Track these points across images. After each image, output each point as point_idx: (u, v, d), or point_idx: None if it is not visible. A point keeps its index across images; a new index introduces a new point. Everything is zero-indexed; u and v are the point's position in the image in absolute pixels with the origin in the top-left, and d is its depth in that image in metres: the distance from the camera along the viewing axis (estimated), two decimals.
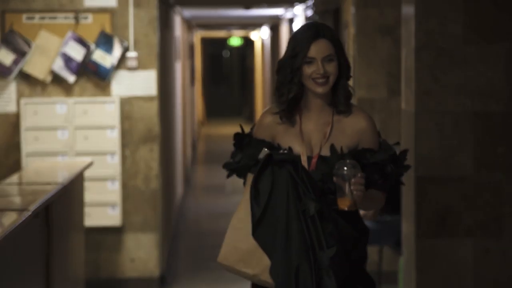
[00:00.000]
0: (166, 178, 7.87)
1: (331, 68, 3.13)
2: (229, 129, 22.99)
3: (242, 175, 3.21)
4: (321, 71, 3.11)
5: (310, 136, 3.17)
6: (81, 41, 6.76)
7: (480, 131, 4.72)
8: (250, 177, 3.12)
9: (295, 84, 3.15)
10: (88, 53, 6.76)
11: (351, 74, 3.22)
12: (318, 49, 3.12)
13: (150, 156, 6.86)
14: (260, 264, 3.05)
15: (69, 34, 6.75)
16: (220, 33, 21.99)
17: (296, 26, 11.40)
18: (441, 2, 4.69)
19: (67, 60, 6.74)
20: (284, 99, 3.17)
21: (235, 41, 25.47)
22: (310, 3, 9.48)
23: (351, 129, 3.16)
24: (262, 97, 20.20)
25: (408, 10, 4.88)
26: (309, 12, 9.87)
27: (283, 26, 14.15)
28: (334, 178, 3.04)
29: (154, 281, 6.90)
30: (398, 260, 5.91)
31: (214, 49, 27.53)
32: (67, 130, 6.75)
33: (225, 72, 28.85)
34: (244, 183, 3.18)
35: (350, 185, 3.00)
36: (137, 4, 6.77)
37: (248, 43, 25.12)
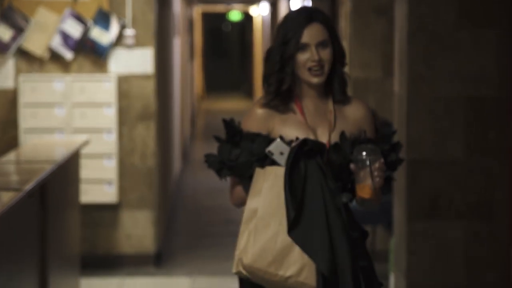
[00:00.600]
0: (163, 155, 7.92)
1: (326, 54, 2.93)
2: (228, 104, 23.02)
3: (241, 173, 2.95)
4: (316, 58, 2.91)
5: (315, 125, 2.97)
6: (79, 18, 6.79)
7: (471, 115, 4.77)
8: (260, 172, 2.89)
9: (287, 74, 2.94)
10: (86, 30, 6.79)
11: (346, 59, 3.03)
12: (311, 34, 2.92)
13: (147, 133, 6.91)
14: (296, 263, 2.81)
15: (67, 11, 6.78)
16: (220, 8, 21.95)
17: (294, 3, 11.41)
18: None
19: (65, 37, 6.77)
20: (272, 90, 2.95)
21: (235, 16, 25.43)
22: None
23: (353, 117, 3.00)
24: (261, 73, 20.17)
25: None
26: None
27: (282, 2, 14.14)
28: (352, 165, 2.85)
29: (150, 257, 6.97)
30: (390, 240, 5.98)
31: (214, 23, 27.47)
32: (64, 107, 6.79)
33: (225, 46, 28.81)
34: (241, 180, 2.96)
35: (371, 171, 2.81)
36: None
37: (248, 18, 25.07)
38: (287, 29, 2.94)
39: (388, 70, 6.84)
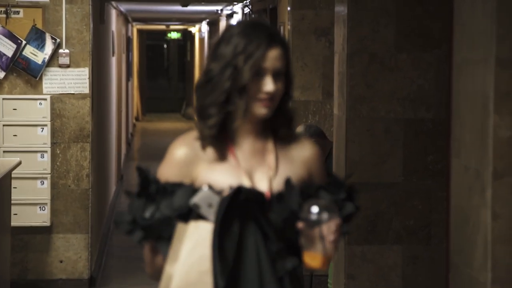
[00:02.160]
0: (98, 177, 7.77)
1: (280, 86, 2.37)
2: (167, 125, 22.88)
3: (158, 233, 2.33)
4: (272, 88, 2.33)
5: (251, 169, 2.38)
6: (12, 36, 6.63)
7: (410, 137, 4.74)
8: (181, 228, 2.30)
9: (239, 106, 2.33)
10: (19, 49, 6.63)
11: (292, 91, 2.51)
12: (272, 58, 2.33)
13: (81, 155, 6.76)
14: None
15: (0, 29, 6.61)
16: (158, 26, 21.87)
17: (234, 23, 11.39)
18: (373, 9, 4.69)
19: None
20: (212, 124, 2.34)
21: (173, 35, 25.34)
22: (247, 1, 9.46)
23: (299, 159, 2.43)
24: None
25: (340, 15, 4.88)
26: (247, 10, 9.85)
27: (222, 22, 14.11)
28: (300, 224, 2.27)
29: (83, 282, 6.80)
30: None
31: (153, 42, 27.34)
32: None
33: (164, 65, 28.70)
34: (159, 243, 2.35)
35: (324, 235, 2.24)
36: (69, 0, 6.66)
37: (187, 37, 25.01)
38: (239, 47, 2.32)
39: (328, 92, 6.81)
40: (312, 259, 2.27)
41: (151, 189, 2.34)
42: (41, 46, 6.64)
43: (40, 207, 6.67)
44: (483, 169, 2.95)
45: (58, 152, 6.72)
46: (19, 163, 5.88)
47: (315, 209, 2.26)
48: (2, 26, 6.62)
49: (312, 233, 2.25)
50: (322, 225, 2.24)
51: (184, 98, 26.16)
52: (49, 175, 6.67)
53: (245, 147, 2.41)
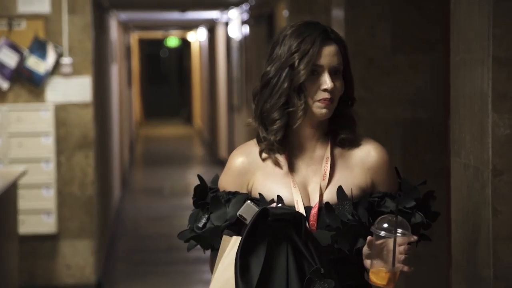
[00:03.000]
0: (103, 183, 7.84)
1: (339, 85, 2.27)
2: (167, 130, 22.94)
3: (209, 244, 2.31)
4: (330, 86, 2.23)
5: (305, 179, 2.28)
6: (15, 48, 6.71)
7: (409, 138, 4.82)
8: (226, 240, 2.24)
9: (298, 107, 2.24)
10: (22, 60, 6.71)
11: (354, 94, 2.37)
12: (327, 55, 2.25)
13: (85, 162, 6.84)
14: None
15: (2, 40, 6.69)
16: (157, 34, 21.93)
17: (232, 29, 11.44)
18: (370, 13, 4.77)
19: (1, 66, 6.67)
20: (277, 127, 2.26)
21: (172, 41, 25.41)
22: (245, 7, 9.53)
23: (360, 165, 2.30)
24: (200, 98, 20.20)
25: (337, 20, 4.96)
26: (245, 16, 9.92)
27: (220, 28, 14.17)
28: (370, 238, 2.14)
29: (90, 287, 6.87)
30: None
31: (152, 49, 27.41)
32: (0, 137, 6.69)
33: (164, 72, 28.77)
34: (214, 251, 2.32)
35: (394, 251, 2.10)
36: (71, 10, 6.74)
37: (185, 44, 25.09)
38: (294, 47, 2.24)
39: None
40: (377, 276, 2.15)
41: (207, 198, 2.30)
42: (43, 56, 6.73)
43: (46, 215, 6.75)
44: (483, 167, 3.00)
45: (63, 160, 6.80)
46: (25, 173, 5.96)
47: (384, 225, 2.13)
48: (5, 38, 6.70)
49: (381, 248, 2.13)
50: (392, 241, 2.12)
51: (183, 102, 26.23)
52: (55, 183, 6.75)
53: (304, 155, 2.30)
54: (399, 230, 2.13)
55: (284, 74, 2.25)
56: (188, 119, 24.31)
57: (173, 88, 28.12)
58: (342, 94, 2.29)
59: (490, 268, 2.93)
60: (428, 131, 4.81)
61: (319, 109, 2.26)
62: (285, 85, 2.24)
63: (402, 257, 2.13)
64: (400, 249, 2.13)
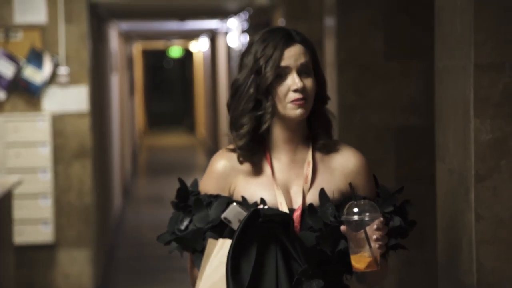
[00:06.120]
0: (101, 192, 7.86)
1: (309, 83, 2.29)
2: (170, 139, 22.97)
3: (190, 246, 2.32)
4: (299, 85, 2.26)
5: (287, 182, 2.32)
6: (11, 58, 6.74)
7: (401, 144, 4.83)
8: (212, 243, 2.27)
9: (266, 110, 2.29)
10: (19, 70, 6.74)
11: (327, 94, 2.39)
12: (292, 55, 2.28)
13: (83, 171, 6.86)
14: None
15: None
16: (159, 44, 21.99)
17: (231, 38, 11.48)
18: (362, 20, 4.79)
19: None
20: (245, 132, 2.30)
21: (175, 52, 25.47)
22: (244, 16, 9.56)
23: (341, 170, 2.34)
24: (204, 107, 20.24)
25: (329, 28, 4.98)
26: (244, 25, 9.95)
27: (220, 38, 14.21)
28: (343, 227, 2.20)
29: None
30: None
31: (155, 60, 27.49)
32: None
33: (167, 83, 28.84)
34: (195, 253, 2.33)
35: (367, 234, 2.16)
36: (67, 20, 6.77)
37: (188, 54, 25.16)
38: (258, 53, 2.29)
39: None
40: (358, 261, 2.18)
41: (189, 201, 2.33)
42: (40, 66, 6.75)
43: (43, 224, 6.76)
44: (466, 172, 3.02)
45: (60, 169, 6.82)
46: (19, 182, 5.98)
47: (354, 209, 2.18)
48: (2, 48, 6.73)
49: (356, 235, 2.17)
50: (365, 225, 2.16)
51: (186, 112, 26.28)
52: (52, 192, 6.77)
53: (284, 158, 2.33)
54: (367, 213, 2.18)
55: (250, 80, 2.29)
56: (191, 128, 24.35)
57: (177, 98, 28.18)
58: (316, 93, 2.32)
59: (474, 274, 2.94)
60: (420, 138, 4.82)
61: (293, 110, 2.28)
62: (252, 90, 2.29)
63: (376, 235, 2.17)
64: (373, 229, 2.17)
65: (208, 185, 2.34)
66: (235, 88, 2.32)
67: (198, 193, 2.35)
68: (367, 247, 2.17)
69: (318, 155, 2.34)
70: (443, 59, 3.29)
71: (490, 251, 2.92)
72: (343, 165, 2.34)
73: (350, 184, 2.25)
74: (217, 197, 2.31)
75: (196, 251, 2.32)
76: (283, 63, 2.28)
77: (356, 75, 4.82)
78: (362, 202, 2.20)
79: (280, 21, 7.22)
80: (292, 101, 2.28)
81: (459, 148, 3.10)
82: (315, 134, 2.34)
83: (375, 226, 2.17)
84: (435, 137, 4.77)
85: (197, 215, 2.30)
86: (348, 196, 2.29)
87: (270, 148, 2.34)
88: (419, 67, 4.80)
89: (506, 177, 2.87)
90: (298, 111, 2.28)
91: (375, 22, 4.79)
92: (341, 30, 4.82)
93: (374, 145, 4.83)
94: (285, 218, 2.20)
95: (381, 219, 2.19)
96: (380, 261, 2.24)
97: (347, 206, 2.20)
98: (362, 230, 2.17)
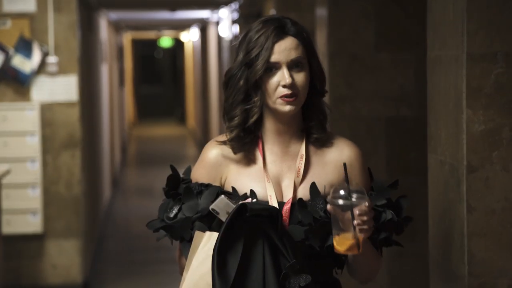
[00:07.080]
0: (90, 183, 7.82)
1: (301, 78, 2.25)
2: (160, 130, 22.93)
3: (178, 235, 2.29)
4: (288, 81, 2.23)
5: (278, 174, 2.29)
6: (0, 47, 6.68)
7: (392, 135, 4.81)
8: (199, 236, 2.23)
9: (254, 103, 2.27)
10: (7, 59, 6.69)
11: (325, 86, 2.35)
12: (283, 50, 2.24)
13: (72, 161, 6.82)
14: None
15: None
16: (150, 34, 21.93)
17: (222, 28, 11.45)
18: (353, 11, 4.76)
19: None
20: (235, 124, 2.28)
21: (165, 42, 25.42)
22: (234, 6, 9.52)
23: (334, 163, 2.31)
24: (194, 98, 20.20)
25: (321, 18, 4.96)
26: (235, 15, 9.91)
27: (211, 28, 14.17)
28: (329, 207, 2.16)
29: (77, 287, 6.86)
30: None
31: (146, 50, 27.42)
32: None
33: (157, 73, 28.78)
34: (183, 242, 2.31)
35: (353, 217, 2.13)
36: (56, 9, 6.72)
37: (178, 44, 25.11)
38: (250, 45, 2.25)
39: None
40: (340, 243, 2.15)
41: (179, 189, 2.30)
42: (29, 55, 6.71)
43: (31, 215, 6.73)
44: (458, 163, 3.00)
45: (49, 159, 6.78)
46: (8, 172, 5.94)
47: (342, 192, 2.15)
48: None
49: (343, 216, 2.14)
50: (352, 205, 2.14)
51: (177, 103, 26.25)
52: (41, 182, 6.73)
53: (277, 150, 2.31)
54: (354, 195, 2.15)
55: (241, 72, 2.27)
56: (181, 119, 24.31)
57: (167, 89, 28.13)
58: (311, 86, 2.29)
59: (465, 265, 2.93)
60: (411, 129, 4.80)
61: (281, 106, 2.26)
62: (241, 82, 2.26)
63: (362, 219, 2.13)
64: (359, 211, 2.13)
65: (199, 173, 2.32)
66: (227, 79, 2.31)
67: (190, 181, 2.32)
68: (351, 228, 2.14)
69: (312, 148, 2.32)
70: (435, 49, 3.27)
71: (481, 242, 2.92)
72: (337, 158, 2.32)
73: (344, 164, 2.20)
74: (208, 186, 2.28)
75: (184, 240, 2.30)
76: (273, 58, 2.24)
77: (347, 66, 4.80)
78: (353, 184, 2.18)
79: (271, 12, 7.18)
80: (281, 97, 2.25)
81: (451, 139, 3.08)
82: (309, 126, 2.31)
83: (359, 210, 2.14)
84: (426, 128, 4.76)
85: (187, 204, 2.27)
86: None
87: (263, 139, 2.32)
88: (410, 58, 4.78)
89: (498, 168, 2.86)
90: (287, 107, 2.26)
91: (366, 13, 4.76)
92: (333, 21, 4.79)
93: (364, 137, 4.81)
94: (273, 213, 2.17)
95: (367, 203, 2.15)
96: (372, 254, 2.23)
97: (333, 188, 2.17)
98: (349, 211, 2.14)
